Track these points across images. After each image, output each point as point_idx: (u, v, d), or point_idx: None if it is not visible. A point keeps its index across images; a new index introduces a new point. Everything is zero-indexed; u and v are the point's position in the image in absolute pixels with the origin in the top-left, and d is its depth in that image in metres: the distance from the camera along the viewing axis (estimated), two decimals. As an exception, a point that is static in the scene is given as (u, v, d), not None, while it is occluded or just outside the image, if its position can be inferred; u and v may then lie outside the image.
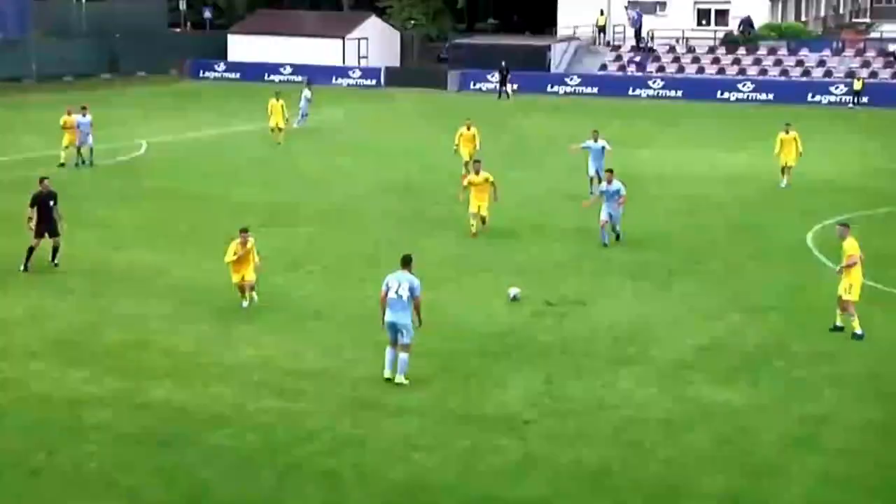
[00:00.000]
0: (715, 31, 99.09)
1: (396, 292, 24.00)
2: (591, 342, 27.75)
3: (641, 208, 42.12)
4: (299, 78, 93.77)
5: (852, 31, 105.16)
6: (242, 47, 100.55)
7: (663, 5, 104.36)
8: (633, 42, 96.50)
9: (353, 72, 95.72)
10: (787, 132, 49.72)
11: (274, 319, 29.13)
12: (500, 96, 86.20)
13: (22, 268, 33.55)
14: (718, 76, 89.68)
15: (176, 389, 24.19)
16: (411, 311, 24.19)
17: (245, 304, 29.70)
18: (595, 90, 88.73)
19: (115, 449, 21.17)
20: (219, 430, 22.02)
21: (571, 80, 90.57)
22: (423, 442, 21.50)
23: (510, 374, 25.42)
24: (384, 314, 24.28)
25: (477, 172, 36.66)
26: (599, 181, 43.51)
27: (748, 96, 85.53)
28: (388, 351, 24.40)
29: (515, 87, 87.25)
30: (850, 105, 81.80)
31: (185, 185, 47.95)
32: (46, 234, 33.78)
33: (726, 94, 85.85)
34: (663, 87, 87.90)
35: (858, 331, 27.67)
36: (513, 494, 19.49)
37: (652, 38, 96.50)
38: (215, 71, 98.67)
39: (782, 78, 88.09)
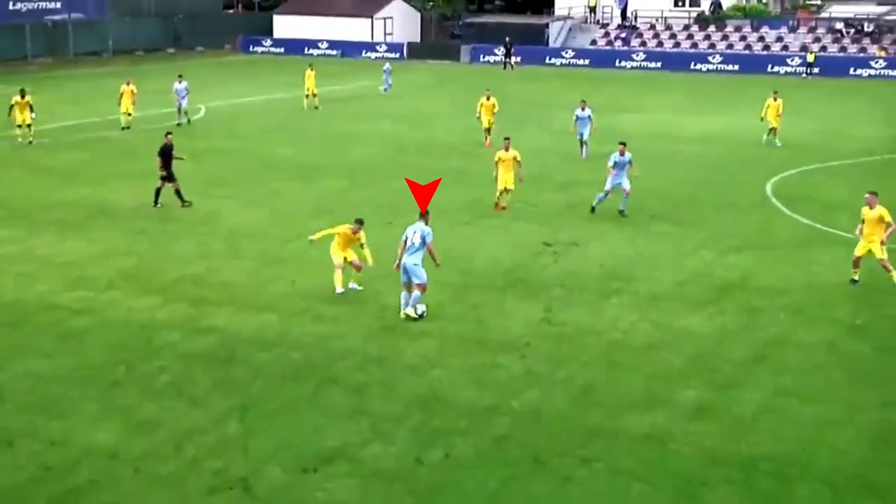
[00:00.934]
0: (689, 12, 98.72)
1: (412, 240, 24.09)
2: (582, 277, 27.89)
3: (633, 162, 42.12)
4: (334, 51, 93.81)
5: (806, 12, 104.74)
6: (286, 25, 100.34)
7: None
8: (619, 21, 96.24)
9: (380, 46, 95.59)
10: (774, 99, 49.54)
11: (312, 259, 29.22)
12: (504, 67, 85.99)
13: (153, 205, 35.11)
14: (692, 50, 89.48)
15: (231, 316, 24.43)
16: (423, 256, 24.14)
17: (340, 290, 25.80)
18: (587, 62, 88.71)
19: (181, 365, 21.46)
20: (267, 351, 22.26)
21: (566, 53, 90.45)
22: (438, 361, 21.70)
23: (513, 304, 25.62)
24: (400, 259, 24.25)
25: (507, 149, 34.73)
26: (586, 146, 44.48)
27: (717, 67, 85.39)
28: (403, 294, 24.34)
29: (518, 59, 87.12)
30: (804, 75, 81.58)
31: (236, 144, 48.08)
32: (168, 181, 35.09)
33: (699, 66, 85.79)
34: (645, 60, 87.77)
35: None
36: (514, 404, 19.71)
37: (635, 18, 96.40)
38: (263, 46, 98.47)
39: (746, 52, 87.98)
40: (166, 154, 34.98)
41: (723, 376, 21.33)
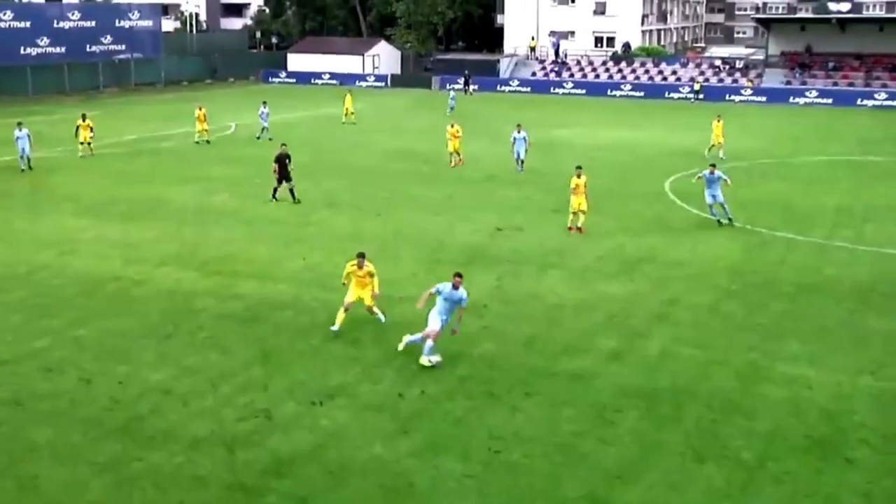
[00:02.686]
0: (606, 51, 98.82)
1: (445, 303, 18.82)
2: (526, 254, 27.82)
3: (559, 167, 42.05)
4: (335, 81, 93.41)
5: (693, 52, 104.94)
6: (297, 61, 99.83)
7: (573, 33, 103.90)
8: (553, 58, 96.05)
9: (369, 77, 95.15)
10: (718, 120, 48.52)
11: (319, 241, 29.15)
12: (465, 93, 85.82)
13: (270, 198, 34.84)
14: (608, 80, 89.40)
15: (255, 286, 24.29)
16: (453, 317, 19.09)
17: (335, 327, 20.53)
18: (528, 89, 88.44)
19: (217, 323, 21.39)
20: (283, 312, 22.16)
21: (513, 82, 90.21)
22: (417, 320, 21.59)
23: (473, 274, 25.43)
24: (422, 300, 19.52)
25: (579, 176, 30.57)
26: (522, 163, 41.94)
27: (627, 94, 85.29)
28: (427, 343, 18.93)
29: (476, 87, 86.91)
30: (692, 100, 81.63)
31: (259, 153, 47.64)
32: (284, 181, 34.82)
33: (613, 92, 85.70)
34: (573, 87, 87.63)
35: None
36: (475, 352, 19.68)
37: (566, 56, 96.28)
38: (279, 77, 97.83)
39: (649, 82, 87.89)
40: (281, 161, 34.78)
41: (633, 329, 21.38)
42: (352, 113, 62.50)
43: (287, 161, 34.80)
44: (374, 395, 17.41)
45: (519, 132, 42.05)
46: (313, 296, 23.44)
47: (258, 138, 52.29)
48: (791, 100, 79.19)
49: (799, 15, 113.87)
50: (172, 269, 25.94)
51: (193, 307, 22.57)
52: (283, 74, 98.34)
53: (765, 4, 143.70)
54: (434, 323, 18.75)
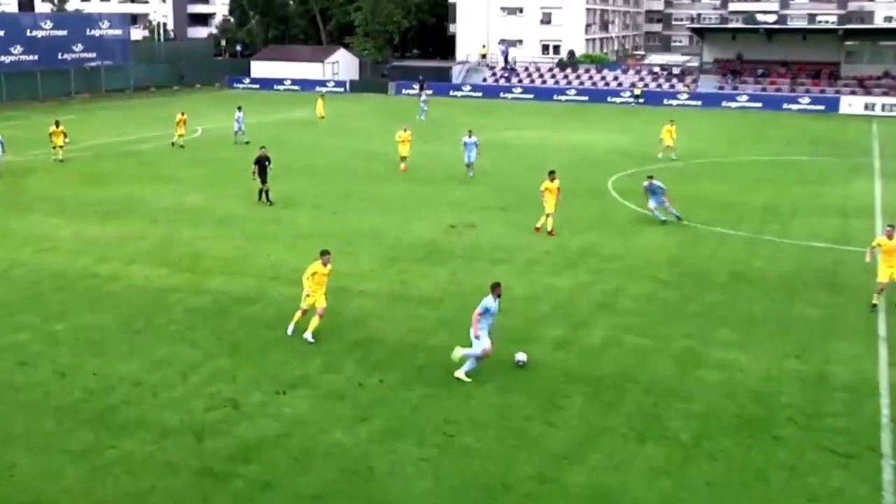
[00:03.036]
0: (552, 58, 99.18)
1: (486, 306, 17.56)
2: (477, 250, 27.83)
3: (508, 168, 42.21)
4: (296, 87, 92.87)
5: (634, 60, 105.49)
6: (260, 68, 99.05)
7: (521, 42, 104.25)
8: (503, 64, 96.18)
9: (329, 83, 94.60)
10: (671, 124, 48.37)
11: (283, 238, 28.98)
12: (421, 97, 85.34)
13: (258, 200, 34.16)
14: (555, 86, 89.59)
15: (223, 281, 24.09)
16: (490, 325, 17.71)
17: (291, 329, 19.79)
18: (480, 94, 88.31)
19: (186, 317, 21.21)
20: (249, 306, 22.01)
21: (465, 87, 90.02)
22: (375, 312, 21.59)
23: (429, 269, 25.53)
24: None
25: (552, 181, 30.08)
26: (470, 166, 40.74)
27: (572, 98, 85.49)
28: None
29: (430, 92, 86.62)
30: (633, 104, 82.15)
31: (225, 155, 47.37)
32: (262, 182, 34.27)
33: (559, 97, 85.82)
34: (521, 93, 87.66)
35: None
36: (431, 342, 19.68)
37: (514, 62, 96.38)
38: (243, 83, 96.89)
39: (592, 87, 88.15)
40: (261, 163, 34.30)
41: (577, 318, 21.48)
42: (322, 116, 62.14)
43: (266, 163, 34.36)
44: (335, 385, 17.34)
45: (470, 137, 41.12)
46: (278, 290, 23.29)
47: (235, 142, 51.58)
48: (724, 104, 79.84)
49: (730, 25, 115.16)
50: (144, 266, 25.65)
51: (164, 302, 22.34)
52: (247, 80, 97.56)
53: (699, 15, 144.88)
54: (488, 341, 17.50)
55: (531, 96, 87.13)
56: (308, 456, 14.55)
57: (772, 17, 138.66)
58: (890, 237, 21.83)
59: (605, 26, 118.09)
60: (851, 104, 76.58)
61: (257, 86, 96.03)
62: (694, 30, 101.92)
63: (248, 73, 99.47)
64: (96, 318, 21.13)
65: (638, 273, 25.42)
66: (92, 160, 45.64)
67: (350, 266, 25.35)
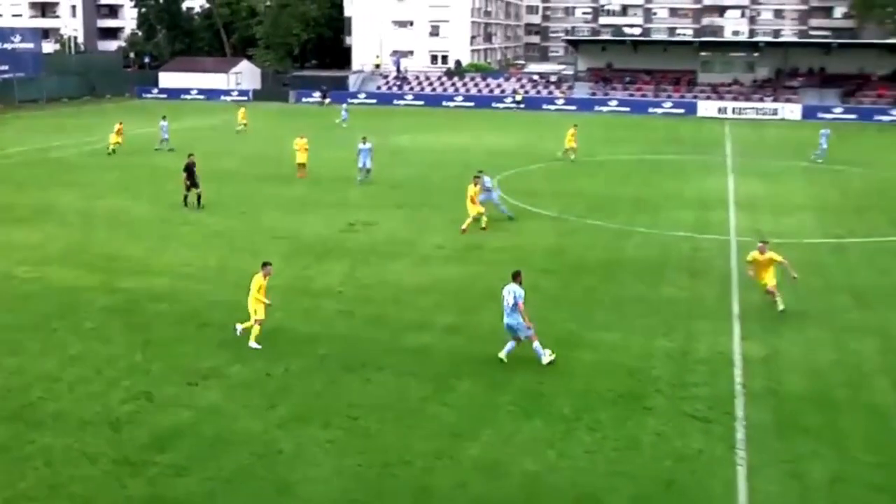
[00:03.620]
0: (441, 67, 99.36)
1: (506, 300, 17.77)
2: (375, 246, 27.68)
3: (402, 169, 42.19)
4: (202, 97, 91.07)
5: (515, 69, 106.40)
6: (168, 79, 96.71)
7: (412, 52, 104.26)
8: (395, 73, 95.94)
9: (233, 92, 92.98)
10: (574, 128, 47.98)
11: (192, 238, 28.40)
12: (321, 105, 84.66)
13: (183, 205, 33.08)
14: (444, 93, 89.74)
15: (136, 280, 23.45)
16: (517, 314, 17.64)
17: (240, 329, 18.78)
18: (375, 101, 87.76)
19: (100, 315, 20.59)
20: (161, 303, 21.49)
21: (361, 95, 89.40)
22: (280, 306, 21.18)
23: (329, 264, 25.33)
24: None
25: (475, 184, 29.24)
26: (368, 171, 38.81)
27: (460, 104, 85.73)
28: (510, 343, 17.86)
29: (329, 100, 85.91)
30: (515, 109, 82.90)
31: (137, 160, 46.16)
32: (193, 188, 33.24)
33: (448, 103, 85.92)
34: (413, 99, 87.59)
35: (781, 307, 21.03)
36: (332, 332, 19.53)
37: (406, 71, 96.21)
38: (152, 93, 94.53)
39: (478, 94, 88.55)
40: (190, 169, 33.32)
41: (468, 306, 21.57)
42: (244, 123, 60.99)
43: (194, 169, 33.45)
44: (243, 375, 17.07)
45: (364, 143, 39.50)
46: (188, 287, 22.83)
47: (157, 149, 50.04)
48: (596, 108, 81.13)
49: (601, 37, 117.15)
50: (59, 267, 24.82)
51: (79, 302, 21.65)
52: (156, 91, 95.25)
53: (573, 28, 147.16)
54: (523, 327, 17.58)
55: (422, 103, 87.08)
56: (220, 442, 14.30)
57: (637, 30, 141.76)
58: (762, 252, 21.23)
59: (488, 38, 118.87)
60: (707, 108, 78.78)
61: (165, 95, 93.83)
62: (569, 41, 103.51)
63: (156, 84, 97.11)
64: (13, 319, 20.39)
65: (521, 263, 25.37)
66: (6, 168, 43.98)
67: (255, 263, 24.74)
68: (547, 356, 17.72)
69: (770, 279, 21.20)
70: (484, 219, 29.78)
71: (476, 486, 13.07)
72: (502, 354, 17.81)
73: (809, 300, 22.28)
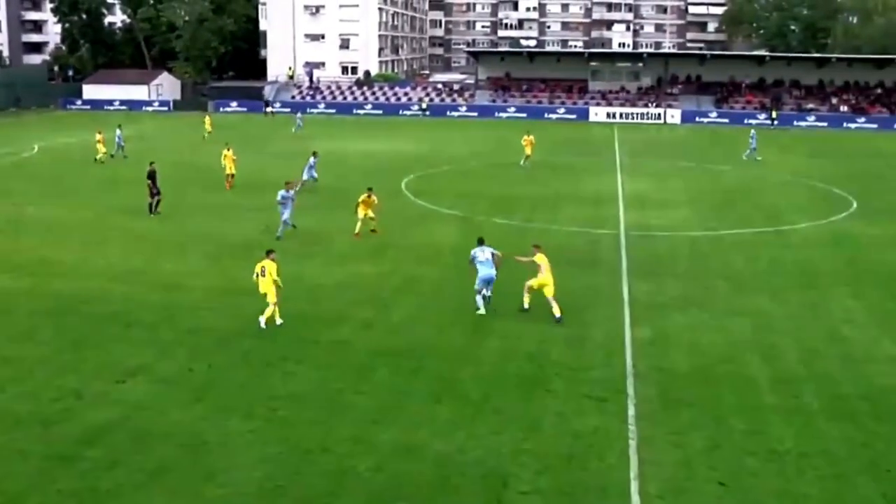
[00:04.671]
0: (351, 77, 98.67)
1: (485, 257, 20.15)
2: (294, 245, 27.26)
3: (323, 170, 41.67)
4: (125, 107, 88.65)
5: (421, 78, 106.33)
6: (91, 90, 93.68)
7: (324, 64, 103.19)
8: (308, 83, 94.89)
9: (154, 103, 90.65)
10: (528, 134, 47.15)
11: (123, 242, 27.64)
12: (265, 115, 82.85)
13: (149, 213, 31.96)
14: (354, 101, 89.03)
15: (65, 284, 22.72)
16: (494, 266, 20.13)
17: (262, 320, 19.16)
18: (289, 110, 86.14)
19: (31, 318, 19.89)
20: (91, 305, 20.84)
21: (276, 104, 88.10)
22: (204, 304, 20.91)
23: (251, 264, 24.84)
24: (478, 272, 20.20)
25: (369, 196, 28.81)
26: (311, 182, 37.41)
27: (369, 112, 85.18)
28: (478, 297, 20.20)
29: (271, 109, 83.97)
30: (421, 116, 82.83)
31: (58, 170, 44.76)
32: (153, 194, 32.24)
33: (358, 111, 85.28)
34: (325, 108, 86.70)
35: (526, 305, 20.53)
36: (255, 328, 19.14)
37: (318, 81, 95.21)
38: (76, 105, 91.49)
39: (386, 102, 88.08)
40: (152, 177, 32.31)
41: (383, 301, 21.50)
42: (209, 132, 59.79)
43: (156, 176, 32.44)
44: (169, 371, 16.69)
45: (314, 158, 38.37)
46: (117, 290, 22.18)
47: (112, 155, 48.56)
48: (496, 114, 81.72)
49: (499, 49, 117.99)
50: (-14, 273, 23.94)
51: (9, 306, 20.85)
52: (80, 102, 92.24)
53: (474, 40, 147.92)
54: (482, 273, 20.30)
55: (333, 111, 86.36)
56: (148, 436, 13.96)
57: (533, 42, 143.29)
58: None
59: (395, 50, 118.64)
60: (597, 113, 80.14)
61: (89, 107, 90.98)
62: (470, 52, 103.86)
63: (80, 96, 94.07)
64: (-58, 324, 19.55)
65: (430, 260, 25.70)
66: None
67: (181, 264, 24.55)
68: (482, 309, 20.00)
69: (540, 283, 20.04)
70: (373, 223, 29.23)
71: (392, 469, 13.06)
72: (482, 311, 20.01)
73: (692, 286, 22.91)
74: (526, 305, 20.43)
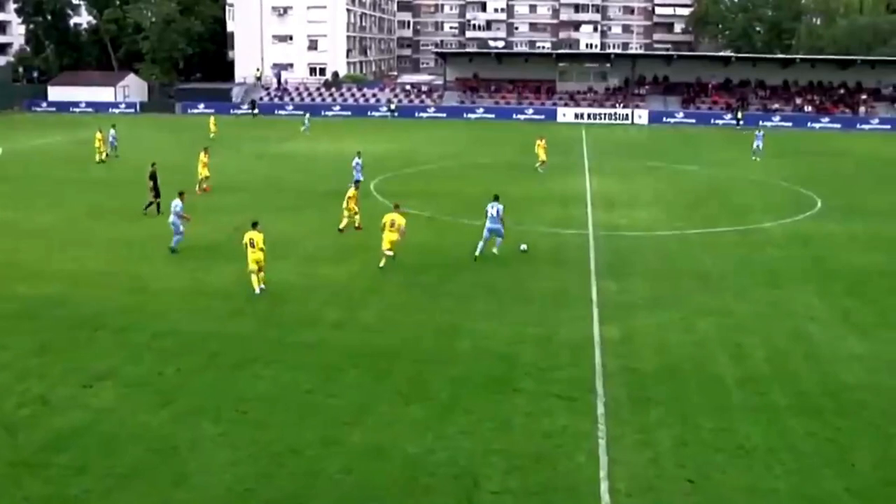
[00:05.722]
0: (319, 79, 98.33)
1: (491, 213, 25.21)
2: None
3: (283, 173, 41.55)
4: (90, 109, 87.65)
5: (389, 79, 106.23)
6: (57, 92, 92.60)
7: (292, 65, 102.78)
8: (276, 85, 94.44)
9: (121, 105, 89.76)
10: (541, 139, 46.65)
11: (88, 245, 27.34)
12: (252, 116, 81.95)
13: (144, 211, 32.44)
14: (322, 102, 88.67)
15: (30, 288, 22.38)
16: (500, 222, 25.29)
17: (258, 289, 21.68)
18: (258, 111, 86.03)
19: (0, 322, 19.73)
20: (56, 309, 20.57)
21: (244, 106, 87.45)
22: (173, 307, 20.72)
23: (219, 266, 24.71)
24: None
25: (355, 189, 29.77)
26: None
27: (338, 113, 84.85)
28: (480, 244, 25.43)
29: (257, 111, 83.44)
30: (389, 117, 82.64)
31: (26, 171, 44.19)
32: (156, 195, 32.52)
33: (327, 112, 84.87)
34: (294, 109, 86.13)
35: (381, 263, 24.12)
36: (223, 330, 19.05)
37: (287, 83, 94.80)
38: (41, 107, 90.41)
39: (354, 103, 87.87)
40: (154, 178, 32.63)
41: (352, 301, 21.47)
42: (214, 132, 60.11)
43: (157, 177, 32.56)
44: (137, 375, 16.54)
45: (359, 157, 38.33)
46: (82, 292, 21.95)
47: (108, 156, 48.52)
48: (465, 115, 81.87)
49: (467, 50, 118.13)
50: (-51, 278, 23.57)
51: (-30, 311, 20.60)
52: (45, 104, 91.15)
53: (442, 42, 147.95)
54: (502, 230, 25.72)
55: (302, 112, 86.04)
56: (116, 440, 13.84)
57: (501, 44, 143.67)
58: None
59: (363, 51, 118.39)
60: (565, 114, 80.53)
61: (54, 108, 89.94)
62: (438, 54, 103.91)
63: (45, 98, 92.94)
64: None
65: (400, 260, 25.63)
66: None
67: (146, 267, 24.32)
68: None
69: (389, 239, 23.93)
70: (357, 218, 29.52)
71: (361, 470, 13.05)
72: (478, 252, 25.03)
73: (660, 286, 23.10)
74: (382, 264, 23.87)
